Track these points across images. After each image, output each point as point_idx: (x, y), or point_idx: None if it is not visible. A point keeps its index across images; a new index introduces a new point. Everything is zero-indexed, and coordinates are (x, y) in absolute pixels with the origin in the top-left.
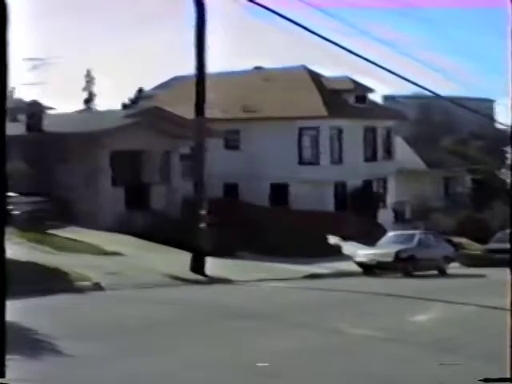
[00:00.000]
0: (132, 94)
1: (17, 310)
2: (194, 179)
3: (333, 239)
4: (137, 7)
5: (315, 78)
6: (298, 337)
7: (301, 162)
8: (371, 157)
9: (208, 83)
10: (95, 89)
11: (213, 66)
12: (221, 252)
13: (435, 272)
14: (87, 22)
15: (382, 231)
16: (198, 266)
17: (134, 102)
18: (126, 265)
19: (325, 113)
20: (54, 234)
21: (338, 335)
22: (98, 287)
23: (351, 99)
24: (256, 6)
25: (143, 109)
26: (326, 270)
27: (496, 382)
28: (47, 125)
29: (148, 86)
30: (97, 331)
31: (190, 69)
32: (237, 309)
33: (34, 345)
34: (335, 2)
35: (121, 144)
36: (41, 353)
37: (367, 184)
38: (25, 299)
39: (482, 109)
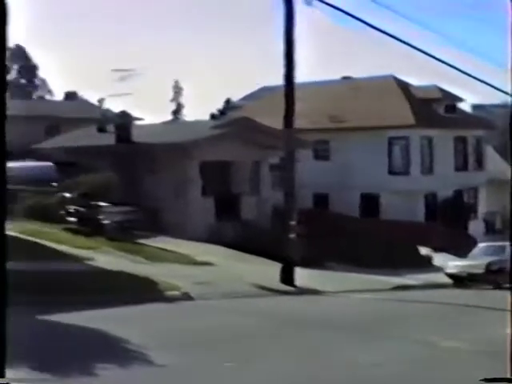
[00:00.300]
0: (220, 104)
1: (108, 319)
2: (284, 190)
3: (423, 250)
4: (225, 17)
5: (403, 87)
6: (388, 349)
7: (391, 171)
8: (462, 167)
9: (296, 93)
10: (183, 99)
11: (301, 76)
12: (310, 263)
13: None
14: (175, 32)
15: (473, 242)
16: (287, 277)
17: (223, 112)
18: (215, 275)
19: (414, 122)
20: (143, 244)
21: (428, 347)
22: (187, 297)
23: (441, 108)
24: (343, 15)
25: (232, 119)
26: (416, 282)
27: (496, 381)
28: (136, 135)
29: (236, 97)
30: (186, 341)
31: (278, 79)
32: (326, 320)
33: (126, 354)
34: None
35: (210, 154)
36: (132, 362)
37: (458, 194)
38: (116, 308)
39: None
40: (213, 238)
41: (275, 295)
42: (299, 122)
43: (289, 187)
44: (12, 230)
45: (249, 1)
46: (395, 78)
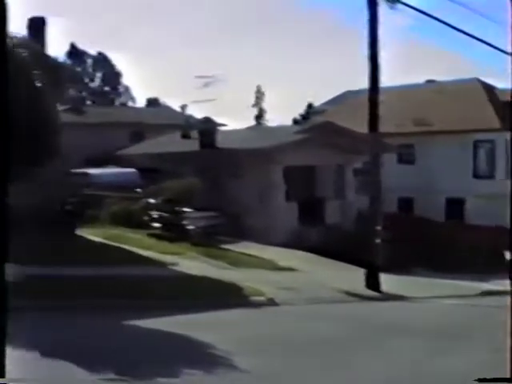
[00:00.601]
0: (302, 109)
1: (193, 324)
2: (369, 194)
3: (510, 255)
4: (306, 22)
5: (489, 89)
6: (476, 357)
7: (476, 175)
8: None
9: (380, 97)
10: (265, 105)
11: (384, 79)
12: (395, 268)
13: None
14: (256, 38)
15: None
16: (373, 282)
17: (305, 117)
18: (300, 280)
19: (499, 125)
20: (227, 249)
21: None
22: (272, 302)
23: None
24: (425, 17)
25: (315, 124)
26: (503, 287)
27: (496, 381)
28: (219, 141)
29: (318, 102)
30: (271, 347)
31: (360, 83)
32: (413, 327)
33: (211, 359)
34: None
35: (294, 159)
36: (217, 368)
37: None
38: (201, 313)
39: None
40: (296, 243)
41: (361, 301)
42: (383, 126)
43: (374, 191)
44: (97, 235)
45: (331, 3)
46: (480, 81)
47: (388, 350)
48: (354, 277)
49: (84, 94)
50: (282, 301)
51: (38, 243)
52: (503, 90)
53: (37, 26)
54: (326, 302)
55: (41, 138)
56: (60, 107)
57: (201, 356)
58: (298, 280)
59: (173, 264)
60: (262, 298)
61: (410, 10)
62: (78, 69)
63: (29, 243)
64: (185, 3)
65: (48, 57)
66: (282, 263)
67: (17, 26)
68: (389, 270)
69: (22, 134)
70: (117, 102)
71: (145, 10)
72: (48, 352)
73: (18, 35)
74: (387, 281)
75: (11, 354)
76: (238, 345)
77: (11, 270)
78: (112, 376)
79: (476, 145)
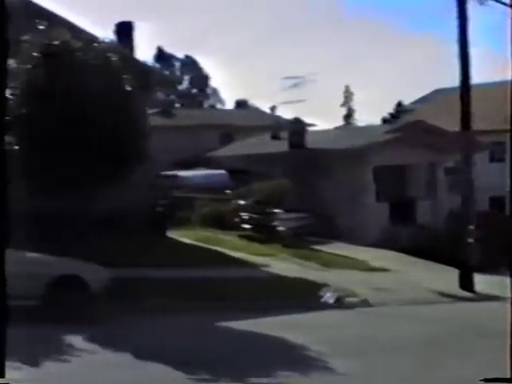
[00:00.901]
0: (391, 108)
1: (286, 326)
2: (461, 193)
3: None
4: (393, 20)
5: None
6: None
7: None
8: None
9: (471, 94)
10: (354, 104)
11: (474, 77)
12: (489, 268)
13: None
14: (346, 38)
15: None
16: (466, 283)
17: (395, 116)
18: (393, 281)
19: None
20: (319, 250)
21: None
22: (365, 303)
23: None
24: None
25: (407, 123)
26: None
27: (496, 381)
28: (309, 141)
29: (407, 100)
30: (366, 348)
31: (448, 81)
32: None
33: (306, 361)
34: None
35: (384, 159)
36: (312, 369)
37: None
38: (294, 315)
39: None
40: (388, 243)
41: (455, 301)
42: (475, 124)
43: (466, 190)
44: (188, 237)
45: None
46: None
47: (484, 351)
48: (446, 277)
49: (172, 96)
50: (376, 302)
51: (130, 246)
52: None
53: (125, 30)
54: (420, 303)
55: (130, 141)
56: (149, 111)
57: (295, 357)
58: (390, 280)
59: (265, 265)
60: (355, 299)
61: (500, 5)
62: (166, 72)
63: (121, 246)
64: (271, 4)
65: (137, 61)
66: (374, 264)
67: (105, 32)
68: (482, 269)
69: (112, 138)
70: (205, 105)
71: (231, 12)
72: (142, 353)
73: (107, 40)
74: (481, 281)
75: (107, 358)
76: (333, 346)
77: (97, 274)
78: (207, 377)
79: None
